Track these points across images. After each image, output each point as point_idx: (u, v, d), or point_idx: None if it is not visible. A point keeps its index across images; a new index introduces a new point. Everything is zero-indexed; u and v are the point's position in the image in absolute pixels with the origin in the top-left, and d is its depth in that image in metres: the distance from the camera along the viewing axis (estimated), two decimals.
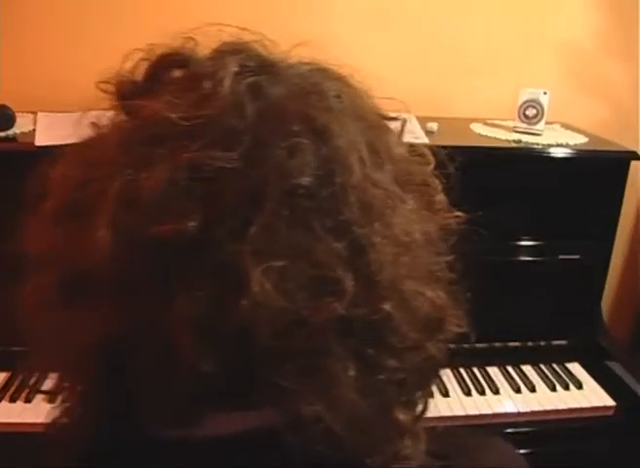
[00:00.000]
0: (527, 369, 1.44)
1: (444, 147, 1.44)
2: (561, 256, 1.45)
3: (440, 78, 1.63)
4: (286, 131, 0.44)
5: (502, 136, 1.43)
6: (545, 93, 1.43)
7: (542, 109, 1.43)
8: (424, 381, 0.53)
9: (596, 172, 1.41)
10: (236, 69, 0.47)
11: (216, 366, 0.41)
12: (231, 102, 0.44)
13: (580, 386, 1.38)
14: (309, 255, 0.43)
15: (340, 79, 0.54)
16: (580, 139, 1.45)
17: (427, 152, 0.63)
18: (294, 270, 0.42)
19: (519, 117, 1.45)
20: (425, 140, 1.36)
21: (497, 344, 1.47)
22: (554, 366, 1.45)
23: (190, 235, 0.40)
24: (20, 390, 1.25)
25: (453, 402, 1.32)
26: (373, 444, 0.46)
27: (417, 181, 0.54)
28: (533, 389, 1.37)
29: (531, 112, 1.44)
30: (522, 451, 1.30)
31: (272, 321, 0.41)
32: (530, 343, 1.48)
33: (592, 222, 1.42)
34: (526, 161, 1.40)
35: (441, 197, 0.59)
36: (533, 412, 1.31)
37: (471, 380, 1.39)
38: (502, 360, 1.45)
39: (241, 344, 0.42)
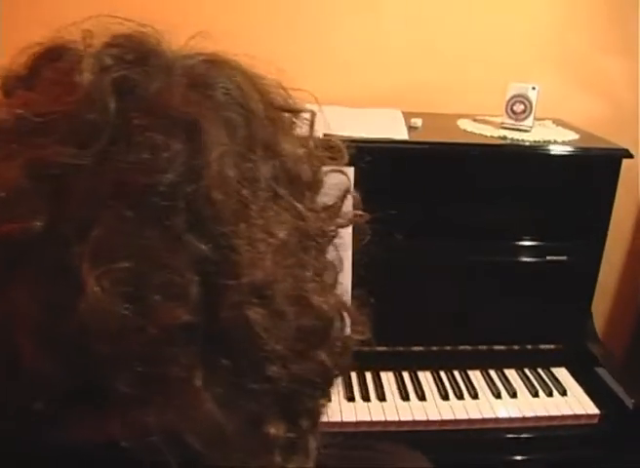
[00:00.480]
0: (510, 373, 1.39)
1: (423, 144, 1.40)
2: (548, 258, 1.40)
3: (430, 73, 1.58)
4: (150, 126, 0.42)
5: (488, 132, 1.39)
6: (534, 88, 1.38)
7: (531, 105, 1.38)
8: (310, 392, 0.50)
9: (585, 170, 1.35)
10: (107, 63, 0.45)
11: (58, 369, 0.39)
12: (92, 97, 0.43)
13: (563, 393, 1.33)
14: (157, 258, 0.40)
15: (234, 71, 0.51)
16: (570, 136, 1.39)
17: (341, 147, 0.60)
18: (136, 273, 0.40)
19: (506, 113, 1.40)
20: (401, 136, 1.33)
21: (481, 347, 1.43)
22: (539, 371, 1.40)
23: (36, 234, 0.39)
24: None
25: (429, 406, 1.28)
26: (235, 459, 0.43)
27: (306, 179, 0.51)
28: (514, 394, 1.32)
29: (518, 108, 1.39)
30: (501, 459, 1.27)
31: (107, 326, 0.39)
32: (516, 347, 1.43)
33: (582, 223, 1.37)
34: (510, 158, 1.35)
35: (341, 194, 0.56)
36: (511, 419, 1.27)
37: (450, 384, 1.34)
38: (486, 363, 1.41)
39: (81, 348, 0.40)
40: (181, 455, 0.41)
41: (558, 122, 1.50)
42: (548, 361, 1.42)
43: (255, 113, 0.48)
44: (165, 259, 0.40)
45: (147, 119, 0.43)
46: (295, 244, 0.47)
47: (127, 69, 0.45)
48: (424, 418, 1.25)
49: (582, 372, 1.40)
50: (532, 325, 1.41)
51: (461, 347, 1.42)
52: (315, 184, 0.55)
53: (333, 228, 0.53)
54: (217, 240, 0.41)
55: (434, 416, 1.26)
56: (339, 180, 0.60)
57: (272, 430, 0.44)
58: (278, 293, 0.44)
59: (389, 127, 1.38)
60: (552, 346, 1.44)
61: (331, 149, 0.60)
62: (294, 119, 0.56)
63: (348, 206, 0.60)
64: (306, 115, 0.59)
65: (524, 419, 1.27)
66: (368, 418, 1.24)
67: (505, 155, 1.36)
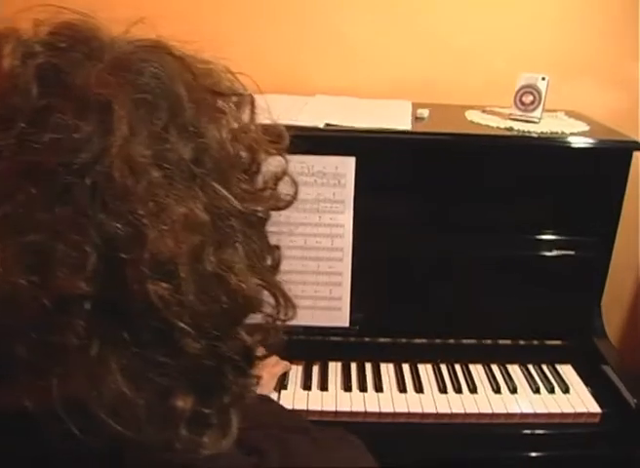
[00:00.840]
0: (513, 368, 1.37)
1: (424, 134, 1.39)
2: (556, 252, 1.37)
3: (443, 65, 1.57)
4: (64, 108, 0.45)
5: (494, 123, 1.36)
6: (544, 78, 1.35)
7: (540, 95, 1.35)
8: (230, 370, 0.50)
9: (594, 163, 1.32)
10: (36, 50, 0.48)
11: None
12: (15, 82, 0.46)
13: (566, 390, 1.30)
14: (62, 233, 0.42)
15: (166, 56, 0.53)
16: (580, 128, 1.36)
17: (282, 132, 0.61)
18: (41, 247, 0.41)
19: (515, 104, 1.37)
20: (404, 126, 1.31)
21: (486, 341, 1.41)
22: (543, 367, 1.37)
23: None
24: None
25: (425, 398, 1.27)
26: (141, 429, 0.44)
27: (233, 161, 0.52)
28: (514, 390, 1.30)
29: (527, 99, 1.36)
30: (497, 455, 1.25)
31: (5, 296, 0.40)
32: (521, 342, 1.41)
33: (590, 217, 1.33)
34: (515, 150, 1.32)
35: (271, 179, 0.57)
36: (508, 414, 1.25)
37: (450, 377, 1.33)
38: (489, 358, 1.39)
39: None
40: (86, 424, 0.42)
41: (571, 114, 1.46)
42: (554, 357, 1.39)
43: (179, 97, 0.50)
44: (69, 234, 0.42)
45: (64, 102, 0.45)
46: (212, 224, 0.48)
47: (55, 56, 0.48)
48: (419, 411, 1.24)
49: (589, 370, 1.36)
50: (538, 320, 1.39)
51: (465, 341, 1.41)
52: (250, 167, 0.56)
53: (262, 209, 0.54)
54: (122, 217, 0.43)
55: (429, 409, 1.25)
56: (277, 164, 0.61)
57: (180, 403, 0.46)
58: (184, 270, 0.45)
59: (394, 117, 1.37)
60: (559, 342, 1.40)
61: (272, 134, 0.60)
62: (230, 103, 0.57)
63: (288, 189, 0.60)
64: (262, 103, 0.61)
65: (522, 415, 1.25)
66: (362, 409, 1.24)
67: (509, 147, 1.33)
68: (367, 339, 1.35)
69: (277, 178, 0.57)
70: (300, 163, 1.31)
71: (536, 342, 1.40)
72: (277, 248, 0.60)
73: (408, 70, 1.57)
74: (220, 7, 1.57)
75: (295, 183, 0.60)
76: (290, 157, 1.43)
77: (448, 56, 1.55)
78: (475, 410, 1.25)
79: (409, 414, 1.24)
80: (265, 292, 0.57)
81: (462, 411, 1.25)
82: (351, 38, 1.57)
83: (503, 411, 1.25)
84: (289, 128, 1.45)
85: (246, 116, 0.59)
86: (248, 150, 0.56)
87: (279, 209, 0.58)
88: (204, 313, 0.46)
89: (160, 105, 0.47)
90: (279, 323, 0.56)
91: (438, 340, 1.39)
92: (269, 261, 0.59)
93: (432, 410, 1.24)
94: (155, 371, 0.45)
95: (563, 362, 1.39)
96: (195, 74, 0.53)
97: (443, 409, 1.25)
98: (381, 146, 1.30)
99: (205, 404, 0.48)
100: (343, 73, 1.58)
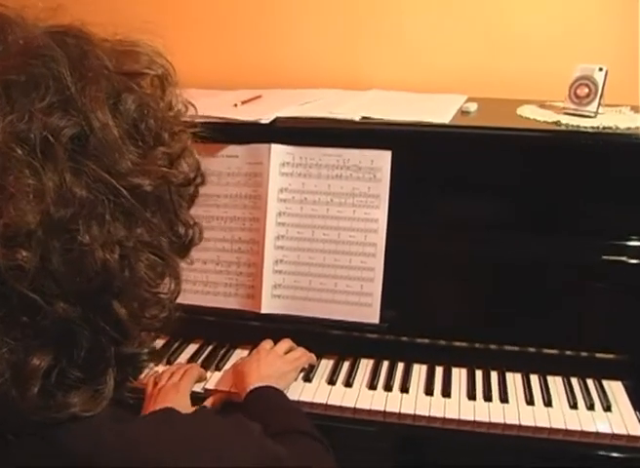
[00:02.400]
0: (553, 380, 1.28)
1: (458, 127, 1.34)
2: (610, 257, 1.26)
3: (503, 59, 1.50)
4: None
5: (543, 117, 1.27)
6: (601, 69, 1.24)
7: (597, 88, 1.25)
8: (103, 339, 0.53)
9: None
10: None
11: None
12: None
13: (608, 408, 1.20)
14: None
15: (71, 40, 0.55)
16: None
17: (193, 122, 0.63)
18: None
19: (569, 97, 1.28)
20: (441, 120, 1.26)
21: (530, 349, 1.33)
22: (588, 381, 1.27)
23: None
24: None
25: (451, 403, 1.22)
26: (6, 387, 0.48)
27: (113, 141, 0.53)
28: (549, 403, 1.22)
29: (582, 91, 1.26)
30: None
31: None
32: (568, 352, 1.31)
33: None
34: (561, 146, 1.23)
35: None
36: (536, 428, 1.17)
37: (483, 384, 1.27)
38: (529, 367, 1.30)
39: None
40: None
41: (637, 109, 1.33)
42: (604, 372, 1.28)
43: (61, 79, 0.52)
44: None
45: None
46: (87, 199, 0.50)
47: None
48: (441, 415, 1.20)
49: None
50: (592, 331, 1.29)
51: (508, 347, 1.33)
52: (149, 143, 0.57)
53: (149, 183, 0.55)
54: None
55: (452, 415, 1.20)
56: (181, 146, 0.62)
57: (36, 361, 0.48)
58: (43, 240, 0.47)
59: (436, 111, 1.32)
60: (612, 356, 1.29)
61: (185, 122, 0.62)
62: (142, 82, 0.59)
63: (186, 168, 0.61)
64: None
65: (553, 431, 1.17)
66: (382, 408, 1.22)
67: (555, 142, 1.23)
68: (397, 338, 1.32)
69: (173, 157, 0.58)
70: (335, 156, 1.31)
71: (585, 354, 1.30)
72: (193, 226, 0.62)
73: (467, 64, 1.51)
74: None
75: (198, 163, 0.61)
76: (325, 150, 1.43)
77: (509, 49, 1.48)
78: (501, 421, 1.19)
79: (429, 418, 1.20)
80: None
81: (486, 421, 1.19)
82: (408, 31, 1.54)
83: (530, 424, 1.17)
84: (325, 120, 1.45)
85: (164, 96, 0.61)
86: (152, 127, 0.57)
87: (182, 185, 0.59)
88: (69, 282, 0.49)
89: (39, 86, 0.50)
90: (166, 300, 0.58)
91: (477, 345, 1.33)
92: (175, 239, 0.60)
93: (454, 416, 1.19)
94: (16, 330, 0.48)
95: (613, 378, 1.27)
96: (100, 57, 0.55)
97: (465, 417, 1.19)
98: (417, 140, 1.27)
99: (72, 366, 0.51)
100: (400, 67, 1.55)
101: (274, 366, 1.21)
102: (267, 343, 1.29)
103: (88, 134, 0.51)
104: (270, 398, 1.13)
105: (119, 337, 0.54)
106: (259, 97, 1.47)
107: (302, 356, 1.28)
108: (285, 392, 1.20)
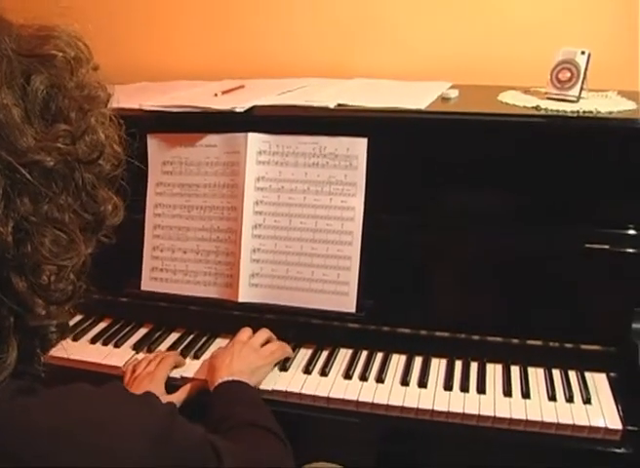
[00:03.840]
0: (535, 371, 1.24)
1: (433, 114, 1.32)
2: (593, 246, 1.22)
3: (488, 45, 1.47)
4: None
5: (525, 103, 1.24)
6: (584, 52, 1.21)
7: (579, 72, 1.21)
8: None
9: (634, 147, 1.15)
10: None
11: None
12: None
13: (587, 401, 1.16)
14: None
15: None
16: (624, 107, 1.20)
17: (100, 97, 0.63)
18: None
19: (551, 82, 1.25)
20: (417, 106, 1.24)
21: (513, 341, 1.29)
22: (570, 373, 1.23)
23: None
24: None
25: (426, 394, 1.20)
26: None
27: (12, 121, 0.54)
28: (527, 395, 1.18)
29: (564, 75, 1.22)
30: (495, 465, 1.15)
31: None
32: (552, 344, 1.27)
33: (625, 208, 1.18)
34: (542, 131, 1.19)
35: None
36: (511, 420, 1.14)
37: (462, 376, 1.24)
38: (510, 358, 1.27)
39: None
40: None
41: (624, 93, 1.29)
42: (587, 364, 1.24)
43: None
44: None
45: None
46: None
47: None
48: (413, 405, 1.18)
49: (627, 382, 1.20)
50: (577, 322, 1.25)
51: (490, 338, 1.30)
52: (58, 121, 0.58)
53: (50, 160, 0.56)
54: None
55: (426, 405, 1.17)
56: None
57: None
58: None
59: (414, 97, 1.30)
60: (598, 348, 1.25)
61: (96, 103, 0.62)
62: (53, 63, 0.59)
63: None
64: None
65: (529, 423, 1.14)
66: (355, 398, 1.20)
67: (532, 127, 1.20)
68: (375, 327, 1.31)
69: (75, 135, 0.58)
70: (312, 144, 1.30)
71: (569, 345, 1.27)
72: (106, 204, 0.62)
73: (452, 51, 1.49)
74: None
75: (102, 143, 0.61)
76: (301, 138, 1.43)
77: (495, 36, 1.46)
78: (475, 412, 1.16)
79: (402, 409, 1.18)
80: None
81: (461, 411, 1.16)
82: (393, 20, 1.52)
83: (506, 416, 1.14)
84: (301, 108, 1.45)
85: (74, 77, 0.61)
86: (61, 106, 0.58)
87: (86, 163, 0.59)
88: None
89: None
90: (71, 273, 0.58)
91: (458, 335, 1.31)
92: (87, 216, 0.61)
93: (428, 407, 1.17)
94: None
95: (597, 370, 1.24)
96: (3, 41, 0.56)
97: (439, 407, 1.17)
98: (393, 126, 1.25)
99: None
100: (384, 55, 1.53)
101: (247, 360, 1.20)
102: (245, 333, 1.29)
103: None
104: (237, 392, 1.12)
105: (19, 309, 0.55)
106: (241, 86, 1.47)
107: (278, 350, 1.27)
108: (257, 386, 1.19)
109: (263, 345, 1.27)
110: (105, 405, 0.61)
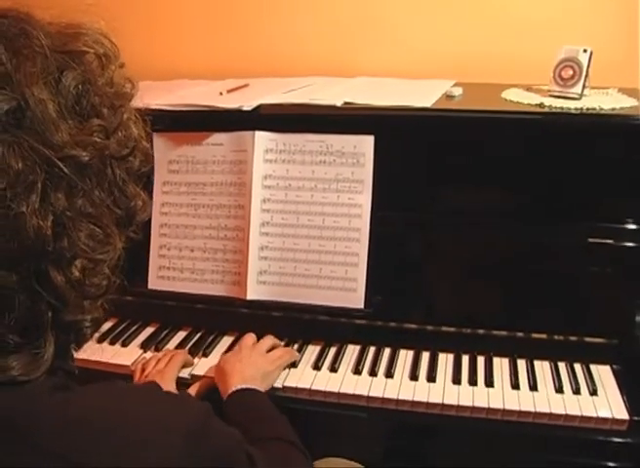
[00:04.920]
0: (541, 364, 1.27)
1: (440, 111, 1.33)
2: (597, 240, 1.24)
3: (492, 43, 1.48)
4: None
5: (528, 100, 1.26)
6: (586, 50, 1.23)
7: (581, 69, 1.23)
8: (38, 304, 0.55)
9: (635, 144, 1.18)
10: None
11: None
12: None
13: (594, 392, 1.18)
14: None
15: (4, 20, 0.57)
16: (625, 104, 1.22)
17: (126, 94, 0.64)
18: None
19: (554, 79, 1.27)
20: (422, 104, 1.25)
21: (518, 334, 1.31)
22: (575, 366, 1.26)
23: None
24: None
25: (435, 388, 1.22)
26: None
27: (48, 116, 0.55)
28: (534, 387, 1.20)
29: (567, 73, 1.25)
30: (503, 457, 1.17)
31: None
32: (557, 337, 1.29)
33: (629, 203, 1.20)
34: (547, 128, 1.21)
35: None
36: (520, 412, 1.16)
37: (469, 369, 1.26)
38: (517, 352, 1.29)
39: None
40: None
41: (625, 90, 1.32)
42: (593, 356, 1.26)
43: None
44: None
45: None
46: (18, 170, 0.52)
47: None
48: (424, 399, 1.19)
49: (631, 375, 1.23)
50: (582, 315, 1.27)
51: (496, 332, 1.32)
52: (89, 115, 0.59)
53: (85, 155, 0.56)
54: None
55: (436, 399, 1.19)
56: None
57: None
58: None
59: (419, 95, 1.32)
60: (603, 340, 1.27)
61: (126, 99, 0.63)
62: (83, 60, 0.60)
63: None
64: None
65: (537, 415, 1.15)
66: (365, 393, 1.21)
67: (535, 125, 1.22)
68: (383, 323, 1.32)
69: (109, 130, 0.59)
70: (318, 142, 1.31)
71: (573, 338, 1.29)
72: (137, 200, 0.63)
73: (456, 50, 1.51)
74: None
75: (135, 138, 0.62)
76: (308, 136, 1.44)
77: (498, 34, 1.47)
78: (485, 405, 1.18)
79: (413, 403, 1.20)
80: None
81: (471, 405, 1.18)
82: (396, 18, 1.53)
83: (515, 408, 1.16)
84: (307, 107, 1.45)
85: (105, 73, 0.62)
86: (93, 102, 0.59)
87: (120, 158, 0.60)
88: (3, 249, 0.51)
89: None
90: (106, 268, 0.59)
91: (464, 330, 1.32)
92: (119, 211, 0.61)
93: (437, 401, 1.19)
94: None
95: (602, 362, 1.26)
96: (38, 37, 0.57)
97: (449, 401, 1.18)
98: (399, 124, 1.26)
99: (10, 330, 0.52)
100: (388, 54, 1.55)
101: (256, 365, 1.20)
102: (250, 339, 1.28)
103: (24, 108, 0.53)
104: (254, 402, 1.11)
105: (57, 304, 0.55)
106: (246, 85, 1.48)
107: (285, 354, 1.27)
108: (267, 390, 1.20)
109: (269, 351, 1.27)
110: (141, 401, 0.62)
